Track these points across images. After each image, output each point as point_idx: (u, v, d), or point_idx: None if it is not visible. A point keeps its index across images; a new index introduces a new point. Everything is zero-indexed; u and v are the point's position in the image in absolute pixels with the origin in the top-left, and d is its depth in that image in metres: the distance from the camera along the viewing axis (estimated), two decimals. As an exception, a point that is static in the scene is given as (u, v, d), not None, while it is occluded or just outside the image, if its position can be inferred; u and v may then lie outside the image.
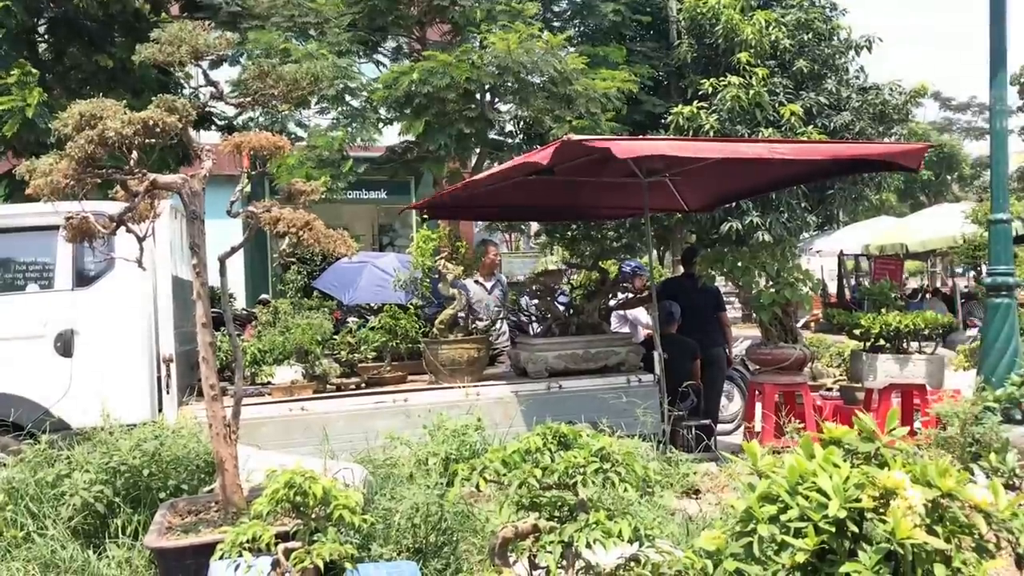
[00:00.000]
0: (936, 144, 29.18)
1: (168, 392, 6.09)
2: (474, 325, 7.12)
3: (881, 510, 2.47)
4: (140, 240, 4.00)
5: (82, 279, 6.07)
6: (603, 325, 7.60)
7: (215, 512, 4.13)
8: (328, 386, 6.68)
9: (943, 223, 15.54)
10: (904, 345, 7.24)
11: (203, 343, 4.01)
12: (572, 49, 10.90)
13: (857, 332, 7.35)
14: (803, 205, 12.20)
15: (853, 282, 20.90)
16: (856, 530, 2.46)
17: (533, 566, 2.92)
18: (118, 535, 4.38)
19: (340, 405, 6.35)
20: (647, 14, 12.78)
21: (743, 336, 11.27)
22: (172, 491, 4.66)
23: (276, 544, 2.85)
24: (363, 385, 6.82)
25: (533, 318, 8.07)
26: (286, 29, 9.89)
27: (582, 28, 12.95)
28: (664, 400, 6.69)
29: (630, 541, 2.71)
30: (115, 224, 3.80)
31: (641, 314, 9.12)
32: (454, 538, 4.08)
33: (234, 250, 4.23)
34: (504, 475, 2.86)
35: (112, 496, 4.50)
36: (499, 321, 7.94)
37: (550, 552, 2.70)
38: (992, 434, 5.11)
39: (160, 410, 6.02)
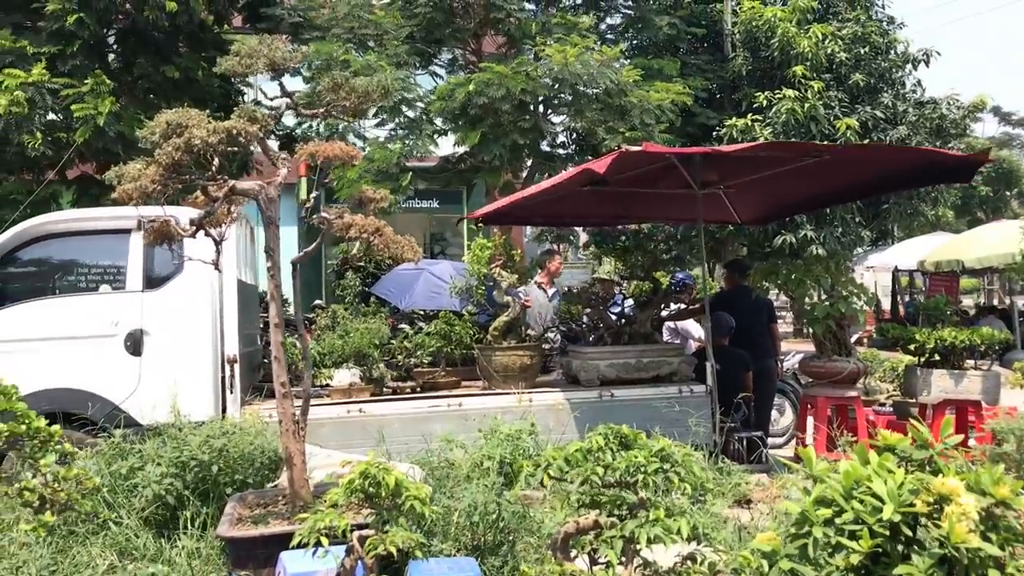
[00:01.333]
0: (995, 159, 28.66)
1: (232, 392, 6.27)
2: (527, 333, 7.23)
3: (935, 516, 2.53)
4: (217, 243, 4.19)
5: (152, 281, 6.27)
6: (655, 335, 7.65)
7: (282, 505, 4.30)
8: (384, 389, 6.85)
9: (1000, 239, 15.28)
10: (959, 361, 7.20)
11: (275, 343, 4.19)
12: (627, 62, 10.98)
13: (911, 347, 7.33)
14: (857, 220, 12.10)
15: (907, 298, 20.62)
16: (910, 534, 2.51)
17: (593, 561, 3.03)
18: (187, 526, 4.57)
19: (396, 408, 6.50)
20: (702, 27, 12.81)
21: (795, 350, 11.22)
22: (239, 485, 4.85)
23: (351, 532, 2.99)
24: (418, 389, 6.98)
25: (585, 327, 8.15)
26: (346, 41, 10.11)
27: (636, 41, 13.02)
28: (716, 411, 6.73)
29: (688, 539, 2.80)
30: (195, 227, 4.00)
31: (691, 326, 9.14)
32: (511, 537, 4.18)
33: (307, 254, 4.40)
34: (567, 472, 2.97)
35: (182, 489, 4.71)
36: (554, 330, 8.04)
37: (611, 548, 2.81)
38: (1048, 450, 5.09)
39: (224, 409, 6.21)
